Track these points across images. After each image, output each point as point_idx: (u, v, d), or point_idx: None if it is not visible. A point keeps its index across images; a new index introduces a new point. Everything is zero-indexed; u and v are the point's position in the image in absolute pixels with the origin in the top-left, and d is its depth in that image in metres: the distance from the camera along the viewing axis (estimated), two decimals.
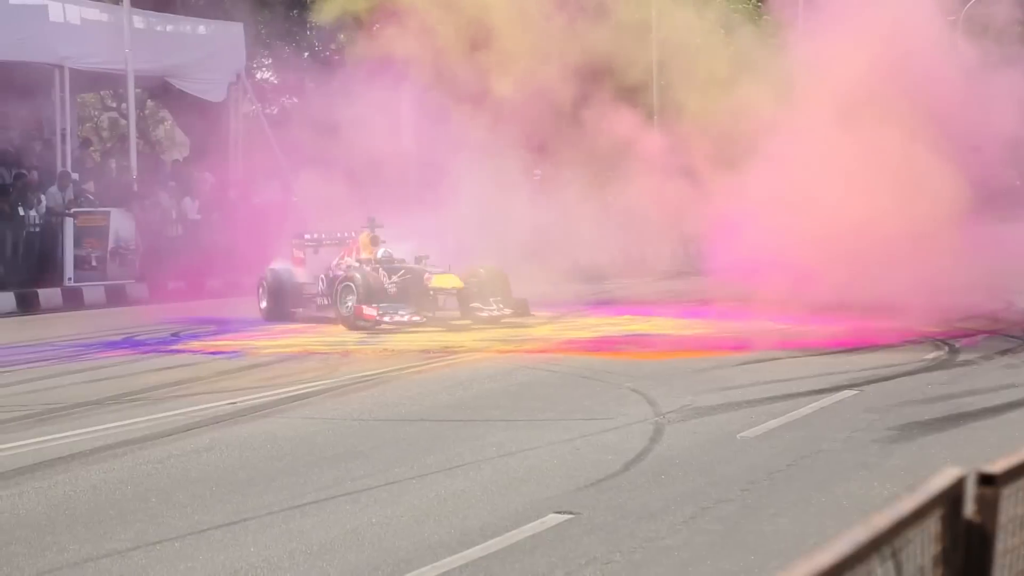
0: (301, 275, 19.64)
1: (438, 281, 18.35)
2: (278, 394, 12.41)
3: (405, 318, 17.86)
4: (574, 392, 12.49)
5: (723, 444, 9.76)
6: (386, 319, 17.81)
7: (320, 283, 19.12)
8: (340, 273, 18.63)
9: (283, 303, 19.40)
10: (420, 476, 8.78)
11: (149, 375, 14.01)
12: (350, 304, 18.09)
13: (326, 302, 18.84)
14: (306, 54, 33.18)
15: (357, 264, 18.73)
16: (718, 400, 11.64)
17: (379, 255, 18.78)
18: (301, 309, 19.33)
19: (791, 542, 7.04)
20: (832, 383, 12.56)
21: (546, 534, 7.33)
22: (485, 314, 18.36)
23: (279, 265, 19.83)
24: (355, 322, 17.92)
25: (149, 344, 16.85)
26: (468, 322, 18.31)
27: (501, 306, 18.47)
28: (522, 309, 18.93)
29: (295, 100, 32.96)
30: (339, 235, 19.97)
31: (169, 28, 27.28)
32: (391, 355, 15.34)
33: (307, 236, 20.21)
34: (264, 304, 19.61)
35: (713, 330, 17.41)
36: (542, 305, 19.30)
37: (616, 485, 8.45)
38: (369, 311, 17.85)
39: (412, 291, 18.25)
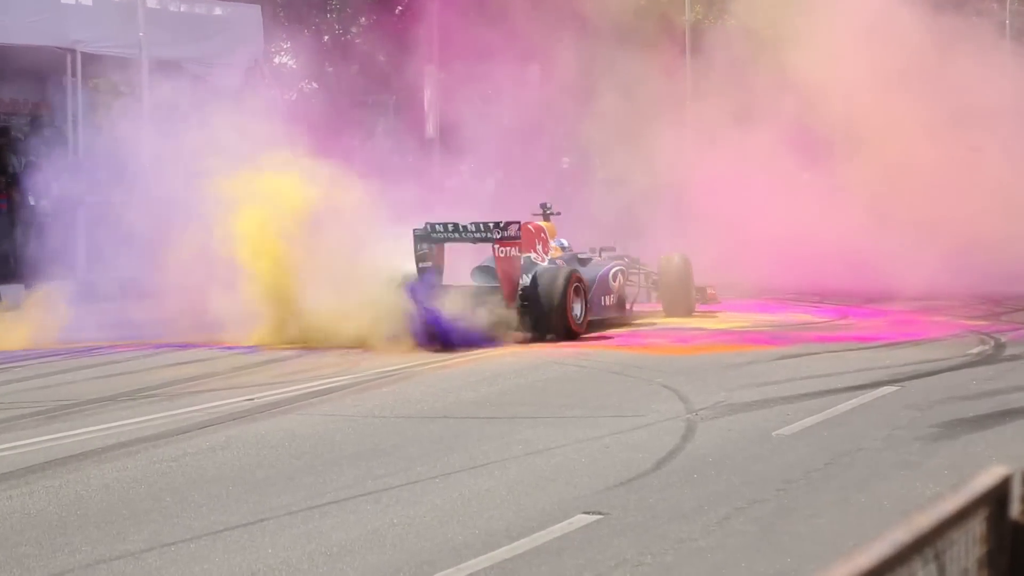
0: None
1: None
2: (297, 390, 12.45)
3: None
4: (603, 388, 12.49)
5: (758, 442, 9.74)
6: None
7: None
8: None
9: None
10: (443, 475, 8.79)
11: (164, 370, 14.07)
12: (579, 312, 16.17)
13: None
14: (326, 38, 33.21)
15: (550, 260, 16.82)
16: (753, 396, 11.61)
17: (562, 246, 17.42)
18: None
19: (829, 544, 7.02)
20: (872, 379, 12.52)
21: (574, 535, 7.33)
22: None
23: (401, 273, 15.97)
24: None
25: (163, 337, 16.89)
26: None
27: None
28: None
29: (314, 85, 33.01)
30: (482, 225, 16.07)
31: (184, 9, 27.33)
32: (413, 350, 15.34)
33: (438, 227, 16.21)
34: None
35: (748, 324, 17.38)
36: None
37: (647, 484, 8.44)
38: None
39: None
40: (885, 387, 12.05)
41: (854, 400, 11.39)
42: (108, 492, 8.53)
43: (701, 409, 11.01)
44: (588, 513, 7.72)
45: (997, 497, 2.85)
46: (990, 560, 2.84)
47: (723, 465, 8.95)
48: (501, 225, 15.86)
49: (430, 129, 30.69)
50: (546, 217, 18.11)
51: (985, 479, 2.83)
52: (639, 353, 14.81)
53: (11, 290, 21.92)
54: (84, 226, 23.54)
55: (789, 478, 8.53)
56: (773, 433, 10.01)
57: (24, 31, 23.82)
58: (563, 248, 17.64)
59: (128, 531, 7.58)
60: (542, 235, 17.35)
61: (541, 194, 20.25)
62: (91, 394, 12.43)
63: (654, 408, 11.11)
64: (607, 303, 17.28)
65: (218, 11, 28.13)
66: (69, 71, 24.97)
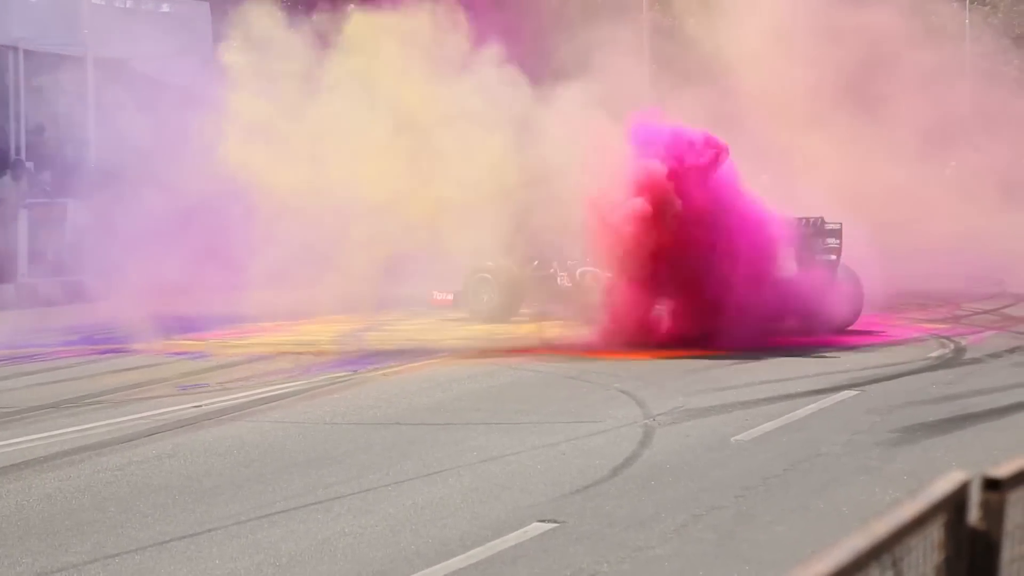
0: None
1: None
2: (246, 396, 12.39)
3: None
4: (559, 393, 12.49)
5: (716, 448, 9.77)
6: None
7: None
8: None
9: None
10: (396, 483, 8.76)
11: (108, 376, 13.96)
12: None
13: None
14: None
15: None
16: (711, 401, 11.65)
17: None
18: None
19: (788, 551, 7.04)
20: (832, 383, 12.59)
21: (529, 544, 7.32)
22: None
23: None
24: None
25: (108, 343, 16.78)
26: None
27: None
28: None
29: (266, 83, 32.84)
30: None
31: (130, 5, 27.17)
32: (366, 355, 15.31)
33: None
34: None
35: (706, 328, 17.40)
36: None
37: (603, 492, 8.45)
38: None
39: None
40: (845, 391, 12.12)
41: (814, 405, 11.44)
42: (50, 502, 8.45)
43: (659, 415, 11.03)
44: (544, 521, 7.72)
45: (955, 503, 2.86)
46: (948, 566, 2.85)
47: (681, 472, 8.97)
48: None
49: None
50: None
51: (943, 485, 2.84)
52: (596, 358, 14.83)
53: None
54: (26, 229, 23.34)
55: (748, 484, 8.56)
56: (732, 439, 10.04)
57: None
58: None
59: (70, 542, 7.51)
60: None
61: None
62: (33, 401, 12.32)
63: (611, 414, 11.12)
64: None
65: (165, 7, 27.98)
66: (11, 69, 24.76)
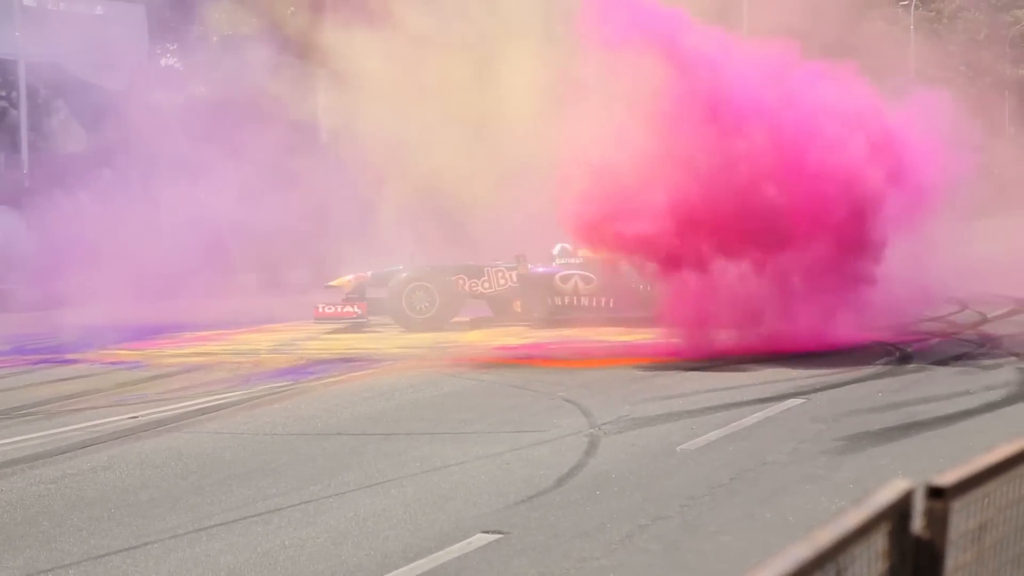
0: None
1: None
2: (184, 407, 12.31)
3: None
4: (504, 403, 12.51)
5: (662, 457, 9.81)
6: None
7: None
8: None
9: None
10: (338, 494, 8.74)
11: (42, 387, 13.84)
12: None
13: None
14: (215, 38, 32.92)
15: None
16: (657, 410, 11.70)
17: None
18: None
19: (734, 560, 7.09)
20: (778, 391, 12.68)
21: (473, 555, 7.32)
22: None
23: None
24: None
25: (42, 353, 16.63)
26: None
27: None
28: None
29: (202, 88, 32.71)
30: None
31: (63, 7, 26.97)
32: (306, 364, 15.27)
33: None
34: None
35: (653, 336, 17.50)
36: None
37: (548, 502, 8.46)
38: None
39: None
40: (791, 400, 12.21)
41: (760, 413, 11.52)
42: None
43: (604, 424, 11.06)
44: (488, 532, 7.72)
45: (900, 512, 2.90)
46: (892, 575, 2.89)
47: (626, 481, 9.00)
48: None
49: (323, 135, 30.56)
50: None
51: (887, 493, 2.87)
52: (541, 366, 14.86)
53: None
54: None
55: (693, 494, 8.61)
56: (678, 448, 10.09)
57: None
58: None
59: (2, 558, 7.43)
60: None
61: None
62: None
63: (556, 423, 11.14)
64: None
65: (99, 10, 27.79)
66: None
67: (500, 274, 19.27)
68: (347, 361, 15.48)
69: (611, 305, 19.14)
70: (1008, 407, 11.74)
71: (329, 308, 19.12)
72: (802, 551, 2.55)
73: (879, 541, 2.85)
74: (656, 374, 14.04)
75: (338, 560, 7.27)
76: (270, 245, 23.28)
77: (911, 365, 14.52)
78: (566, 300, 19.37)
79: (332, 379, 14.13)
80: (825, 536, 2.63)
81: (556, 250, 19.59)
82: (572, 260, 19.43)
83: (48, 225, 24.61)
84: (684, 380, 13.59)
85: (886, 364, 14.57)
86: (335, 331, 18.58)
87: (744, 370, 14.21)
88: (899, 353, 15.34)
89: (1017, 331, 17.23)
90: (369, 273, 19.43)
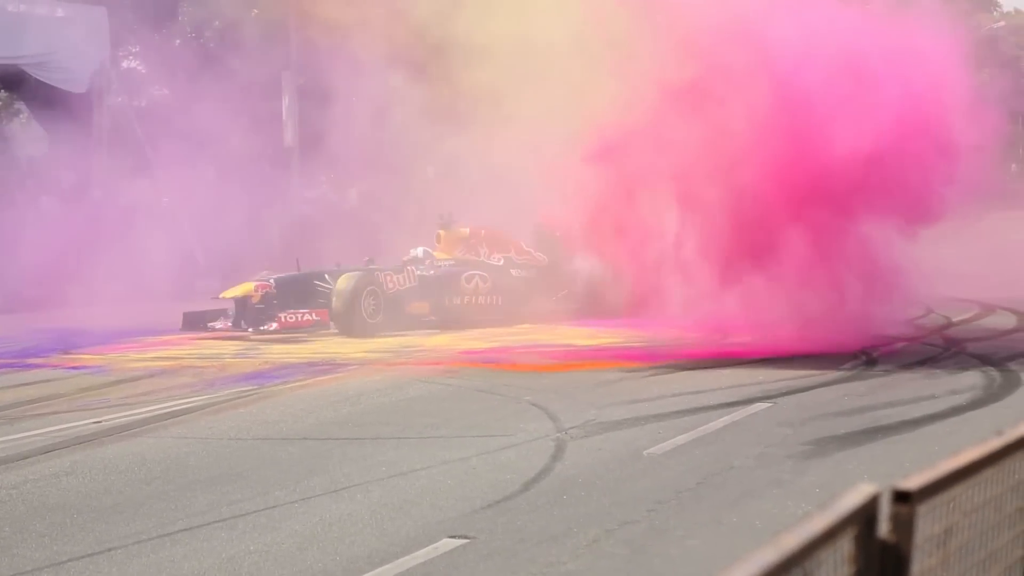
0: None
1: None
2: (148, 412, 12.26)
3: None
4: (470, 407, 12.51)
5: (629, 461, 9.84)
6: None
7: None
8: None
9: None
10: (303, 499, 8.72)
11: (3, 392, 13.74)
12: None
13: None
14: (177, 41, 32.81)
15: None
16: (624, 414, 11.73)
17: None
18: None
19: (700, 565, 7.11)
20: (744, 395, 12.72)
21: (439, 560, 7.33)
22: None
23: None
24: None
25: (3, 357, 16.52)
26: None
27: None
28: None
29: (165, 91, 32.58)
30: None
31: (23, 8, 26.79)
32: (271, 368, 15.23)
33: None
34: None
35: (620, 340, 17.54)
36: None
37: (515, 507, 8.47)
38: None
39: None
40: (757, 404, 12.26)
41: (726, 417, 11.56)
42: None
43: (571, 428, 11.08)
44: (454, 537, 7.73)
45: (865, 516, 2.92)
46: None
47: (593, 486, 9.02)
48: None
49: (288, 138, 30.50)
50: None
51: (853, 497, 2.89)
52: (507, 370, 14.86)
53: None
54: None
55: (660, 498, 8.64)
56: (644, 452, 10.12)
57: None
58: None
59: None
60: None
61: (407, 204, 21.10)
62: None
63: (522, 427, 11.15)
64: None
65: (60, 12, 27.60)
66: None
67: (406, 274, 19.24)
68: (312, 365, 15.45)
69: (500, 303, 19.80)
70: (973, 411, 11.82)
71: (292, 317, 18.65)
72: (768, 555, 2.57)
73: (845, 545, 2.87)
74: (621, 378, 14.07)
75: (303, 565, 7.26)
76: (238, 248, 23.13)
77: (877, 369, 14.60)
78: (466, 300, 19.63)
79: (297, 383, 14.09)
80: (791, 540, 2.65)
81: (419, 252, 19.76)
82: (445, 262, 19.79)
83: (9, 229, 24.47)
84: (650, 384, 13.62)
85: (852, 368, 14.65)
86: (300, 334, 18.47)
87: (710, 374, 14.25)
88: (865, 357, 15.42)
89: (982, 335, 17.35)
90: (271, 280, 18.84)
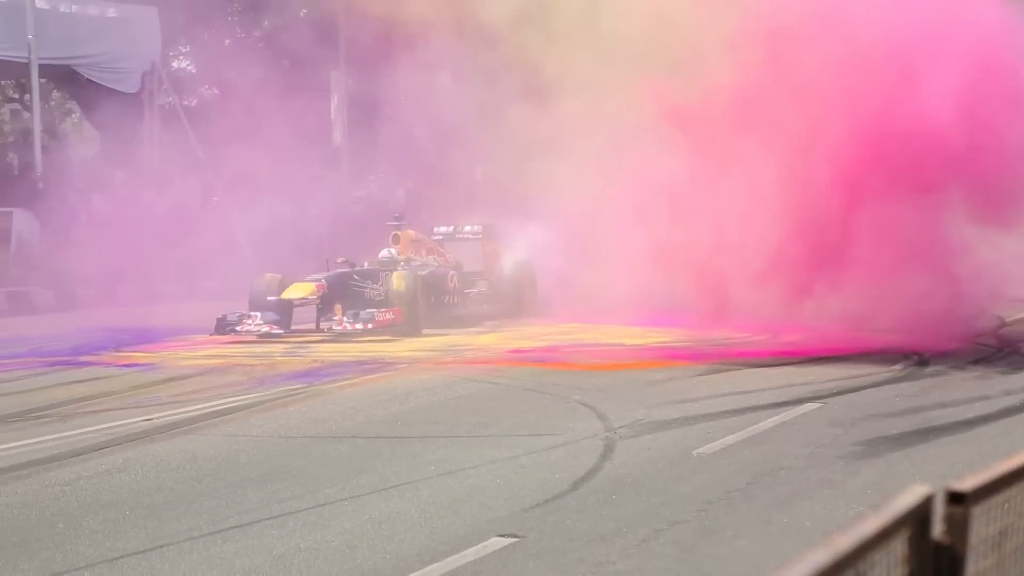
0: None
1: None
2: (198, 409, 12.34)
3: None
4: (519, 406, 12.52)
5: (678, 461, 9.82)
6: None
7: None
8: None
9: None
10: (352, 497, 8.76)
11: (56, 389, 13.88)
12: None
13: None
14: (227, 41, 33.02)
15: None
16: (673, 414, 11.70)
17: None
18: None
19: (750, 566, 7.09)
20: (794, 395, 12.67)
21: (488, 559, 7.34)
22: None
23: None
24: None
25: (56, 355, 16.69)
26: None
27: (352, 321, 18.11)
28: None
29: (215, 91, 32.80)
30: None
31: (75, 9, 27.03)
32: (320, 367, 15.30)
33: None
34: None
35: (668, 339, 17.50)
36: None
37: (564, 506, 8.48)
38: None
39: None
40: (808, 404, 12.20)
41: (776, 417, 11.51)
42: None
43: (620, 427, 11.07)
44: (503, 536, 7.74)
45: (919, 517, 2.91)
46: None
47: (642, 485, 9.01)
48: None
49: (336, 138, 30.63)
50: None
51: (907, 498, 2.88)
52: (556, 369, 14.86)
53: None
54: None
55: (710, 498, 8.61)
56: (694, 452, 10.09)
57: None
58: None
59: (17, 559, 7.47)
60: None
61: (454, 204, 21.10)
62: None
63: (571, 426, 11.15)
64: None
65: (112, 12, 27.83)
66: None
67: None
68: (361, 364, 15.50)
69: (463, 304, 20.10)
70: None
71: (384, 315, 18.16)
72: (821, 556, 2.56)
73: (899, 547, 2.86)
74: (670, 378, 14.04)
75: (353, 563, 7.29)
76: (289, 246, 23.17)
77: (928, 369, 14.50)
78: (454, 299, 19.75)
79: (346, 382, 14.15)
80: (844, 541, 2.64)
81: (392, 253, 19.66)
82: (414, 261, 19.72)
83: (62, 228, 24.70)
84: (699, 384, 13.58)
85: (903, 368, 14.55)
86: (351, 333, 18.51)
87: (760, 374, 14.19)
88: (916, 358, 15.31)
89: None
90: (323, 278, 18.62)
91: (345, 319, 18.02)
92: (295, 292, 18.32)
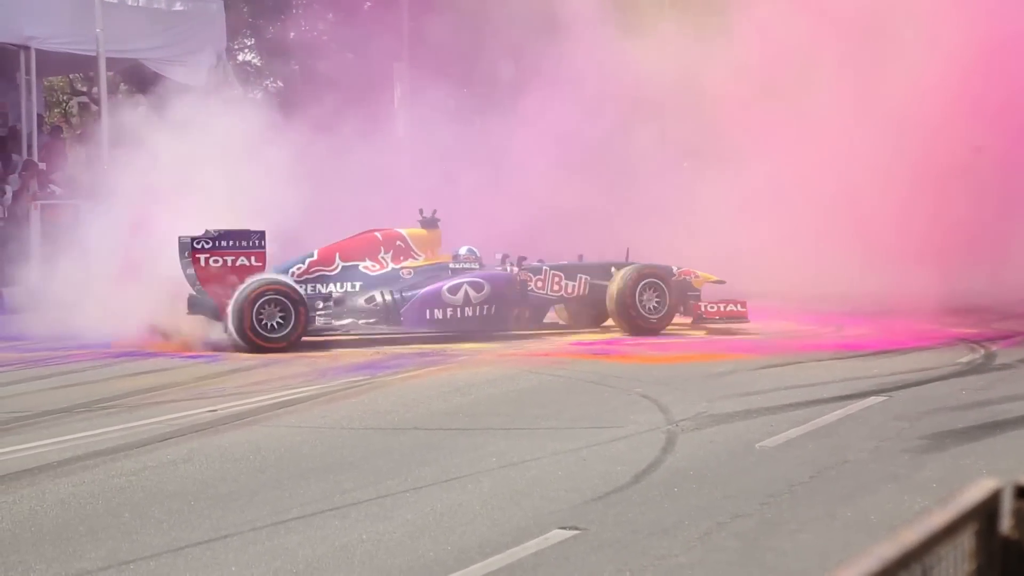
0: None
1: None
2: (261, 401, 12.43)
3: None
4: (580, 398, 12.51)
5: (741, 454, 9.77)
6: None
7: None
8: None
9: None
10: (414, 489, 8.78)
11: (122, 380, 14.03)
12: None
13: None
14: (292, 34, 33.22)
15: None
16: (735, 407, 11.65)
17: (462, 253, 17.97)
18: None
19: (814, 560, 7.04)
20: (858, 389, 12.57)
21: (550, 551, 7.33)
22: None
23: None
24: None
25: (122, 347, 16.85)
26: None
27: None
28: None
29: (280, 84, 33.00)
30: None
31: (142, 3, 27.27)
32: (382, 359, 15.36)
33: None
34: None
35: (730, 332, 17.43)
36: None
37: (625, 498, 8.45)
38: None
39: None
40: (872, 397, 12.10)
41: (840, 411, 11.43)
42: (64, 507, 8.49)
43: (682, 420, 11.03)
44: (565, 528, 7.73)
45: (987, 512, 2.87)
46: None
47: (704, 478, 8.97)
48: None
49: (400, 128, 30.71)
50: (427, 224, 18.10)
51: (975, 493, 2.85)
52: (617, 362, 14.84)
53: None
54: (39, 229, 23.45)
55: (773, 492, 8.56)
56: (756, 445, 10.04)
57: None
58: (457, 256, 17.91)
59: (85, 548, 7.55)
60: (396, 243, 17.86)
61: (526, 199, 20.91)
62: (45, 405, 12.38)
63: (633, 419, 11.13)
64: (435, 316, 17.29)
65: (179, 6, 28.06)
66: (23, 68, 24.87)
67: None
68: (423, 356, 15.55)
69: (493, 312, 17.52)
70: None
71: (712, 307, 17.57)
72: (888, 550, 2.54)
73: (966, 542, 2.83)
74: (733, 370, 13.98)
75: (416, 554, 7.31)
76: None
77: (996, 362, 14.34)
78: (448, 313, 17.37)
79: (408, 374, 14.20)
80: (911, 536, 2.61)
81: (465, 251, 18.04)
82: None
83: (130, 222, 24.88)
84: (761, 377, 13.51)
85: (970, 361, 14.40)
86: None
87: (823, 367, 14.11)
88: (983, 351, 15.15)
89: None
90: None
91: None
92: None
